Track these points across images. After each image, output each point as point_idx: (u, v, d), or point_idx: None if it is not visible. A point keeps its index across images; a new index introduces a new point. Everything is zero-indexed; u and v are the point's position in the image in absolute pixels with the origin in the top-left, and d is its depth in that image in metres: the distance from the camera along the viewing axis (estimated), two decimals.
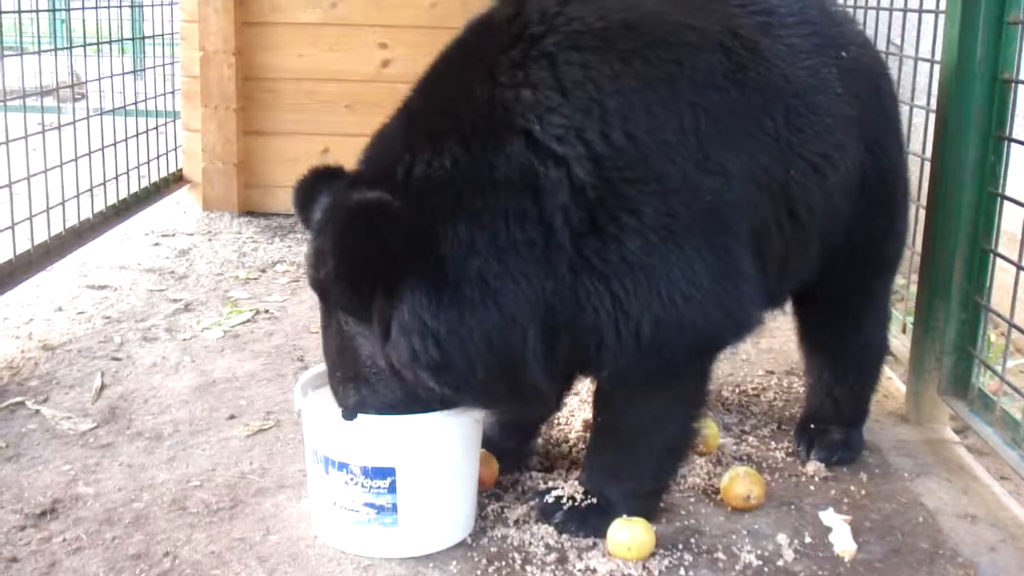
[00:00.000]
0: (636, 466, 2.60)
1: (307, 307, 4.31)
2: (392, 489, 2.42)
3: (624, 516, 2.48)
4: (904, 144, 3.02)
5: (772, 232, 2.53)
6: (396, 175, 2.27)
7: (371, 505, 2.44)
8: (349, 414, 2.43)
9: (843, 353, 3.07)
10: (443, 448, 2.47)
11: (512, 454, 2.86)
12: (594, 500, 2.58)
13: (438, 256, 2.19)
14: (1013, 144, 2.97)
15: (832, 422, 3.07)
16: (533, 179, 2.22)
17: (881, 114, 2.86)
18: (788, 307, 3.31)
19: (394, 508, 2.44)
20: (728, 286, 2.38)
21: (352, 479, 2.43)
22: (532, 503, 2.68)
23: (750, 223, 2.45)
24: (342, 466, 2.43)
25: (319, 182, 2.48)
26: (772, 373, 3.74)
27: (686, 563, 2.47)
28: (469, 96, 2.30)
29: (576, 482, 2.64)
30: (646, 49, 2.33)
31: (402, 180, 2.26)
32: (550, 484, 2.68)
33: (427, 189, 2.24)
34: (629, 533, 2.46)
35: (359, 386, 2.42)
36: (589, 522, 2.55)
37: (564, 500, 2.59)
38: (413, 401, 2.37)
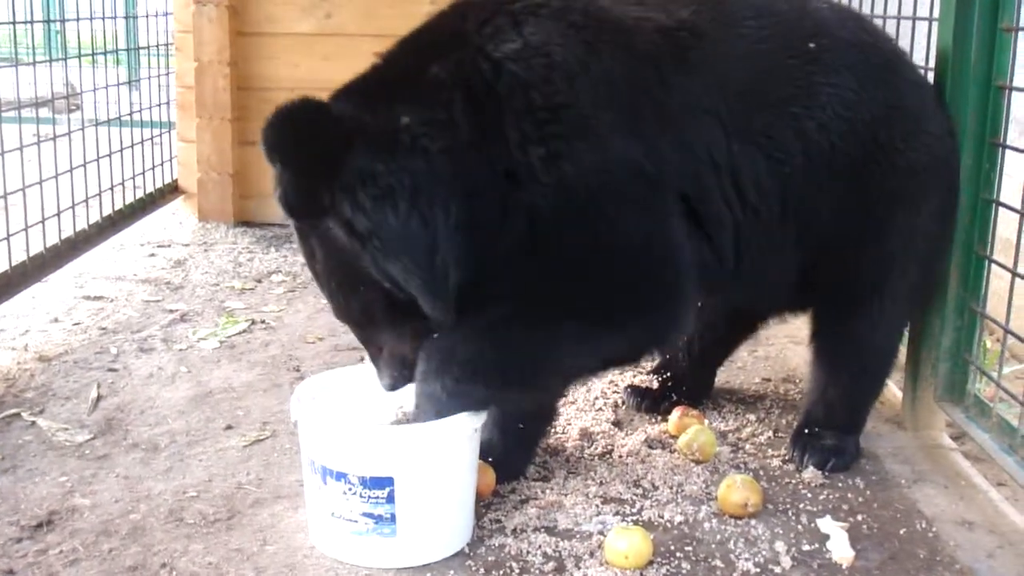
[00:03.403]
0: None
1: (303, 317, 4.31)
2: (391, 499, 2.42)
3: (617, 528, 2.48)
4: (936, 142, 2.95)
5: (716, 203, 2.71)
6: (349, 85, 2.64)
7: (369, 515, 2.44)
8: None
9: (840, 355, 3.07)
10: (442, 458, 2.47)
11: (509, 463, 2.86)
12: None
13: (373, 127, 2.45)
14: (1007, 150, 2.97)
15: (826, 427, 3.06)
16: (473, 78, 2.50)
17: (884, 109, 2.85)
18: (786, 315, 3.33)
19: (392, 518, 2.44)
20: (656, 220, 2.61)
21: (350, 489, 2.42)
22: (529, 513, 2.69)
23: (687, 184, 2.66)
24: (340, 476, 2.43)
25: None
26: (769, 380, 3.74)
27: (683, 571, 2.47)
28: (435, 35, 2.66)
29: None
30: (594, 24, 2.61)
31: (350, 86, 2.63)
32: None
33: (372, 89, 2.58)
34: (627, 542, 2.46)
35: (337, 287, 2.58)
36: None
37: None
38: (382, 298, 2.52)
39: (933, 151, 2.93)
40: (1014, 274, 2.85)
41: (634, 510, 2.75)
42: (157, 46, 6.40)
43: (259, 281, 4.86)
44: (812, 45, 2.80)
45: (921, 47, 3.40)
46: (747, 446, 3.17)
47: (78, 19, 5.38)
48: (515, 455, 2.88)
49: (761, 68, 2.78)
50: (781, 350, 4.03)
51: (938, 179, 2.96)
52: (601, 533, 2.60)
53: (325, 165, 2.41)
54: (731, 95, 2.70)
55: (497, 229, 2.52)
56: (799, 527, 2.70)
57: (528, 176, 2.50)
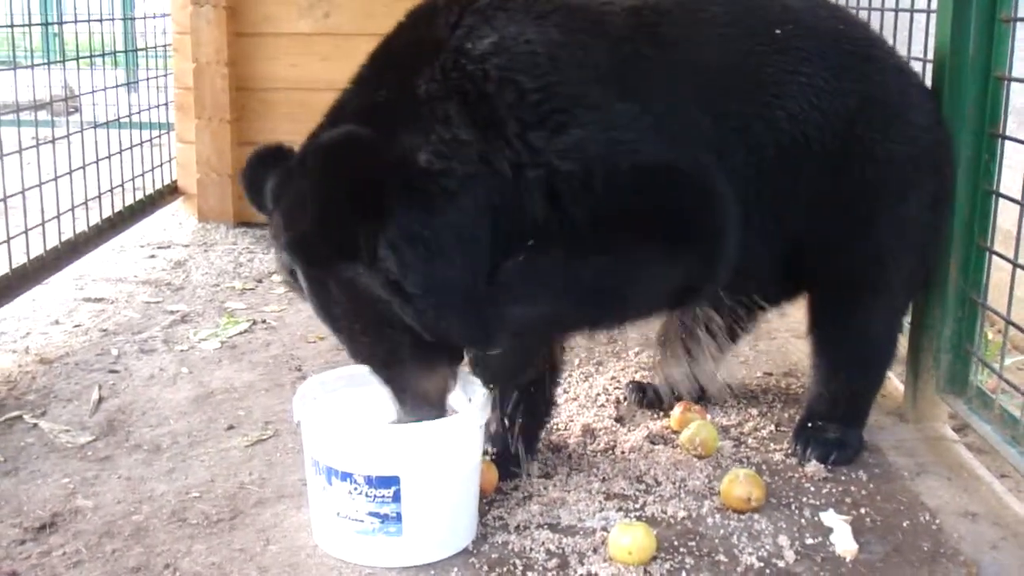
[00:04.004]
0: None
1: (304, 317, 4.30)
2: (396, 498, 2.42)
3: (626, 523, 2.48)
4: (921, 132, 2.94)
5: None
6: (346, 114, 2.54)
7: (376, 515, 2.44)
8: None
9: (839, 347, 3.06)
10: (447, 455, 2.47)
11: (512, 461, 2.86)
12: None
13: (401, 167, 2.36)
14: (1007, 141, 2.97)
15: (828, 420, 3.06)
16: (461, 83, 2.46)
17: (859, 100, 2.83)
18: (785, 308, 3.33)
19: (399, 517, 2.44)
20: (676, 154, 2.57)
21: (356, 489, 2.42)
22: (532, 509, 2.69)
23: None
24: (346, 476, 2.43)
25: (266, 161, 2.61)
26: (770, 375, 3.74)
27: (687, 566, 2.47)
28: (408, 46, 2.62)
29: None
30: (562, 10, 2.60)
31: (351, 116, 2.51)
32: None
33: (369, 116, 2.46)
34: (630, 537, 2.46)
35: (362, 334, 2.50)
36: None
37: None
38: (413, 341, 2.45)
39: (918, 141, 2.91)
40: (1015, 265, 2.85)
41: (637, 506, 2.75)
42: (155, 47, 6.41)
43: (260, 281, 4.86)
44: (779, 32, 2.78)
45: (919, 39, 3.39)
46: (749, 440, 3.17)
47: (76, 21, 5.37)
48: (517, 452, 2.88)
49: (728, 54, 2.75)
50: (783, 344, 4.03)
51: (926, 168, 2.94)
52: (604, 529, 2.60)
53: (365, 209, 2.31)
54: (701, 79, 2.68)
55: (522, 229, 2.48)
56: (802, 521, 2.70)
57: (534, 162, 2.45)
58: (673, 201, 2.56)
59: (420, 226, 2.32)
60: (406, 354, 2.50)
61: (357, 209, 2.31)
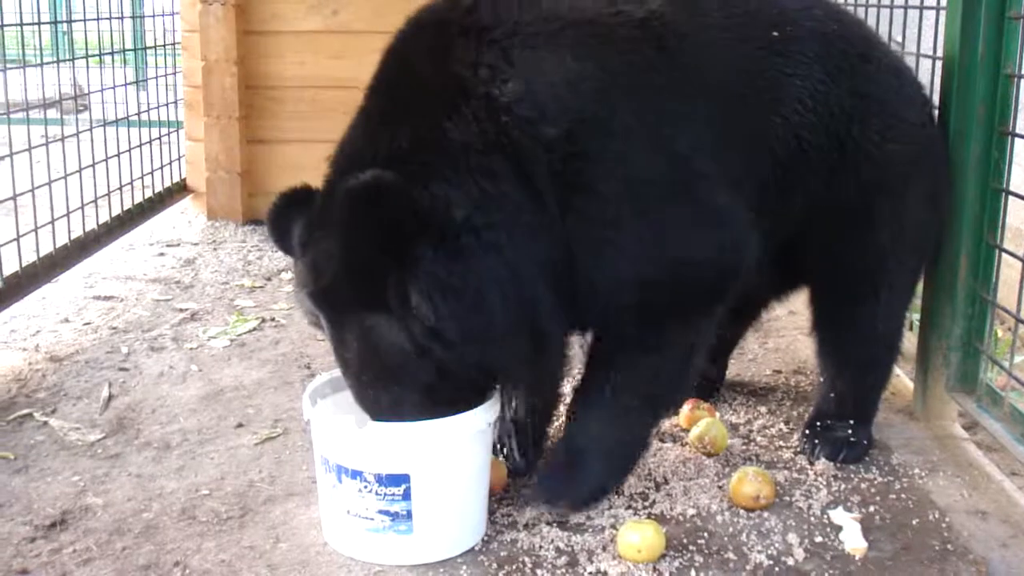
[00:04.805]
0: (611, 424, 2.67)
1: None
2: (407, 496, 2.42)
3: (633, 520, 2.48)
4: (916, 130, 2.94)
5: None
6: (367, 161, 2.37)
7: (386, 512, 2.44)
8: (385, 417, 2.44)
9: (843, 346, 3.07)
10: (457, 453, 2.47)
11: (521, 459, 2.86)
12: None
13: (432, 216, 2.28)
14: (1017, 139, 2.97)
15: (837, 418, 3.06)
16: (498, 136, 2.37)
17: (855, 100, 2.82)
18: (793, 305, 3.33)
19: (409, 515, 2.44)
20: (707, 230, 2.56)
21: (366, 487, 2.43)
22: (541, 507, 2.69)
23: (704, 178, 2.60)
24: (356, 474, 2.43)
25: (292, 206, 2.53)
26: (779, 372, 3.73)
27: (696, 564, 2.47)
28: (425, 84, 2.46)
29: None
30: (573, 29, 2.51)
31: (370, 161, 2.36)
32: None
33: (397, 163, 2.33)
34: (639, 535, 2.46)
35: (389, 384, 2.41)
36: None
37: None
38: (445, 386, 2.39)
39: (914, 139, 2.92)
40: None
41: (646, 503, 2.75)
42: (164, 46, 6.43)
43: (269, 279, 4.87)
44: (776, 34, 2.76)
45: (928, 36, 3.39)
46: (759, 438, 3.16)
47: (85, 20, 5.37)
48: (527, 451, 2.88)
49: (727, 59, 2.72)
50: (791, 342, 4.03)
51: (922, 166, 2.95)
52: (613, 527, 2.60)
53: (393, 257, 2.25)
54: (703, 88, 2.65)
55: (565, 277, 2.44)
56: (811, 519, 2.69)
57: (575, 221, 2.43)
58: (699, 261, 2.58)
59: (450, 274, 2.25)
60: (410, 409, 2.44)
61: (385, 257, 2.25)
